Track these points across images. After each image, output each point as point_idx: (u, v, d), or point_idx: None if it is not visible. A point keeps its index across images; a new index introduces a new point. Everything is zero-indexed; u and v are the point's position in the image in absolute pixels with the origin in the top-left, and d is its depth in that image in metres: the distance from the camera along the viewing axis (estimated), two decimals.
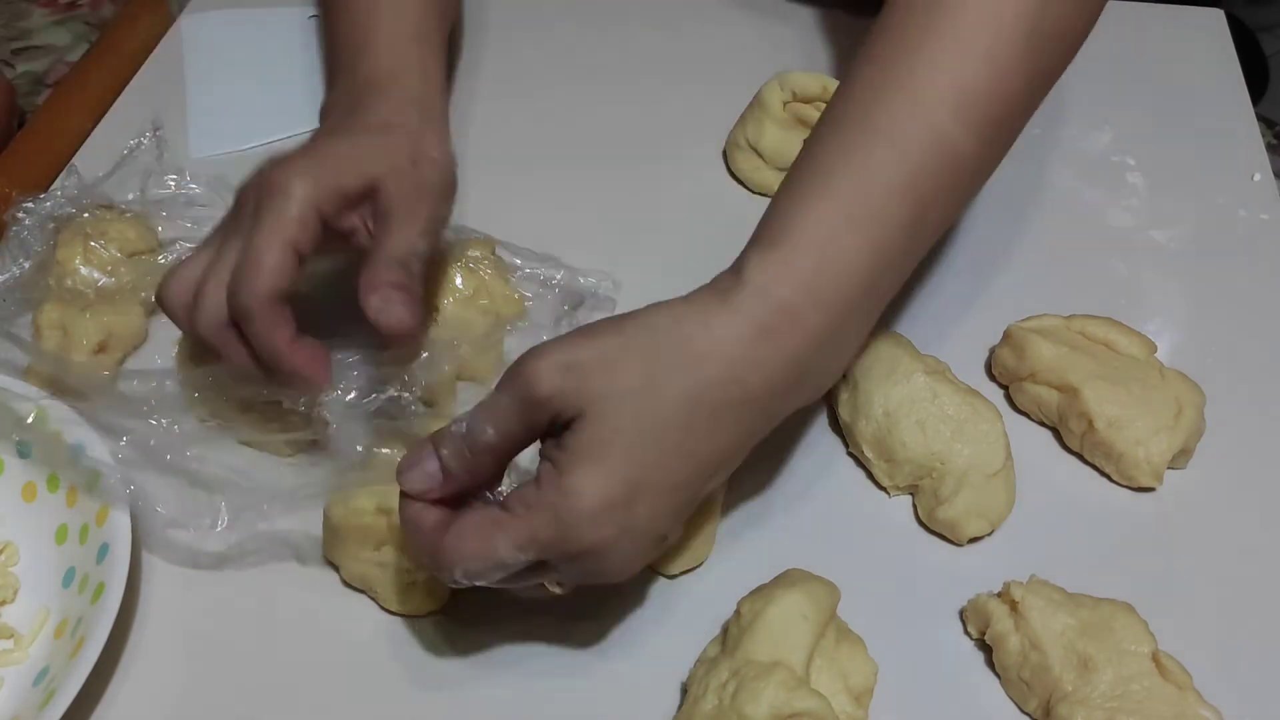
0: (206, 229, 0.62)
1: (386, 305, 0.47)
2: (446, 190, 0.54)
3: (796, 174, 0.47)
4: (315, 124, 0.71)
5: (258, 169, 0.50)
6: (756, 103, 0.66)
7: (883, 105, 0.46)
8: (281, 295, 0.47)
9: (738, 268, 0.45)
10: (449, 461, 0.42)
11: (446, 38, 0.63)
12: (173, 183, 0.66)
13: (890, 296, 0.47)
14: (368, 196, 0.50)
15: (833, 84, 0.65)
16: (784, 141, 0.65)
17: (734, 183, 0.68)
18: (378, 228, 0.50)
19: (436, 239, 0.53)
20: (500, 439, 0.42)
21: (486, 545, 0.41)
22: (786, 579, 0.47)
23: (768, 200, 0.64)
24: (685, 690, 0.46)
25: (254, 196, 0.48)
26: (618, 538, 0.41)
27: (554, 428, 0.42)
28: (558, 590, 0.45)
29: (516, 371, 0.42)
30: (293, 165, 0.48)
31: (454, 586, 0.44)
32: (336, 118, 0.55)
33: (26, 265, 0.60)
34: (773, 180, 0.66)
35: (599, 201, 0.67)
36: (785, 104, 0.65)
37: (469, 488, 0.43)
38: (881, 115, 0.45)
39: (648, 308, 0.44)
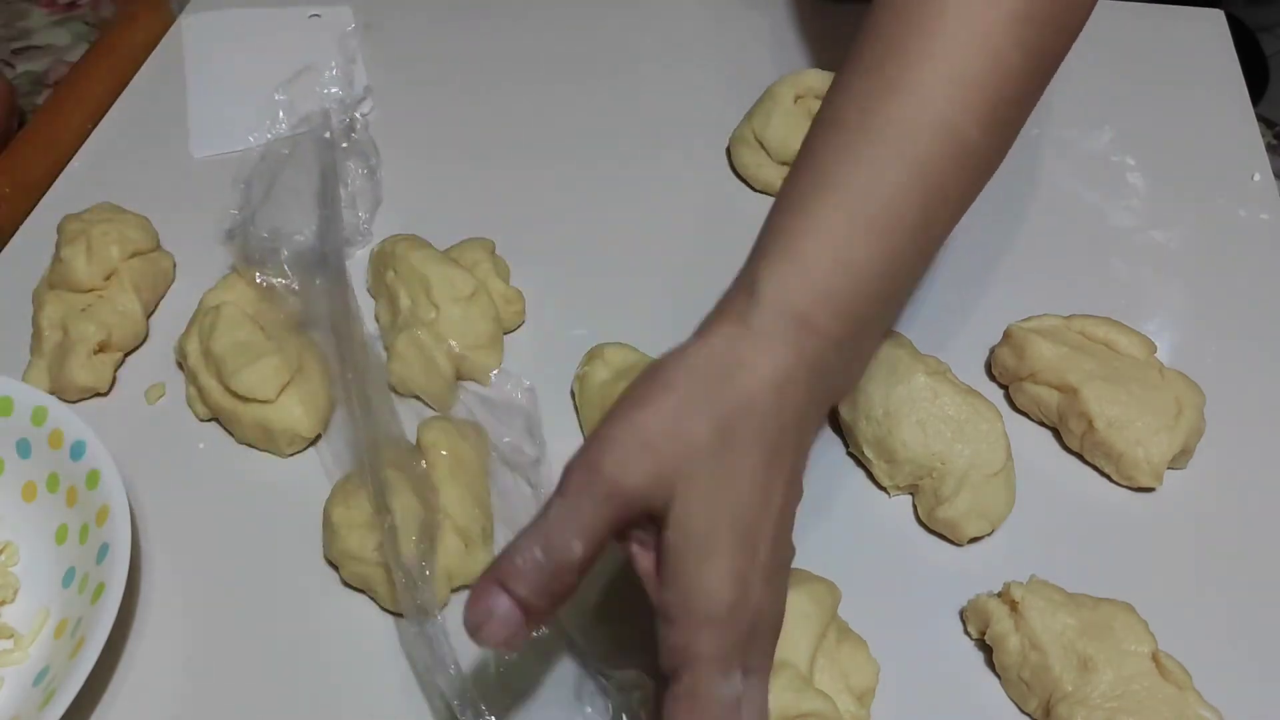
0: (207, 228, 0.63)
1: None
2: None
3: (797, 178, 0.44)
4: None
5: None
6: (766, 96, 0.67)
7: (881, 103, 0.44)
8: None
9: (749, 284, 0.41)
10: (532, 598, 0.37)
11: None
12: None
13: (904, 299, 0.45)
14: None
15: None
16: (790, 133, 0.65)
17: (736, 179, 0.68)
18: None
19: None
20: (590, 551, 0.37)
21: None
22: None
23: (769, 197, 0.65)
24: None
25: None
26: (759, 597, 0.38)
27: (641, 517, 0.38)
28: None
29: (593, 468, 0.37)
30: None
31: None
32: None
33: None
34: (775, 177, 0.66)
35: (600, 197, 0.67)
36: (796, 98, 0.65)
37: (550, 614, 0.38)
38: (880, 113, 0.44)
39: (674, 352, 0.40)
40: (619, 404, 0.39)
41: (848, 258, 0.42)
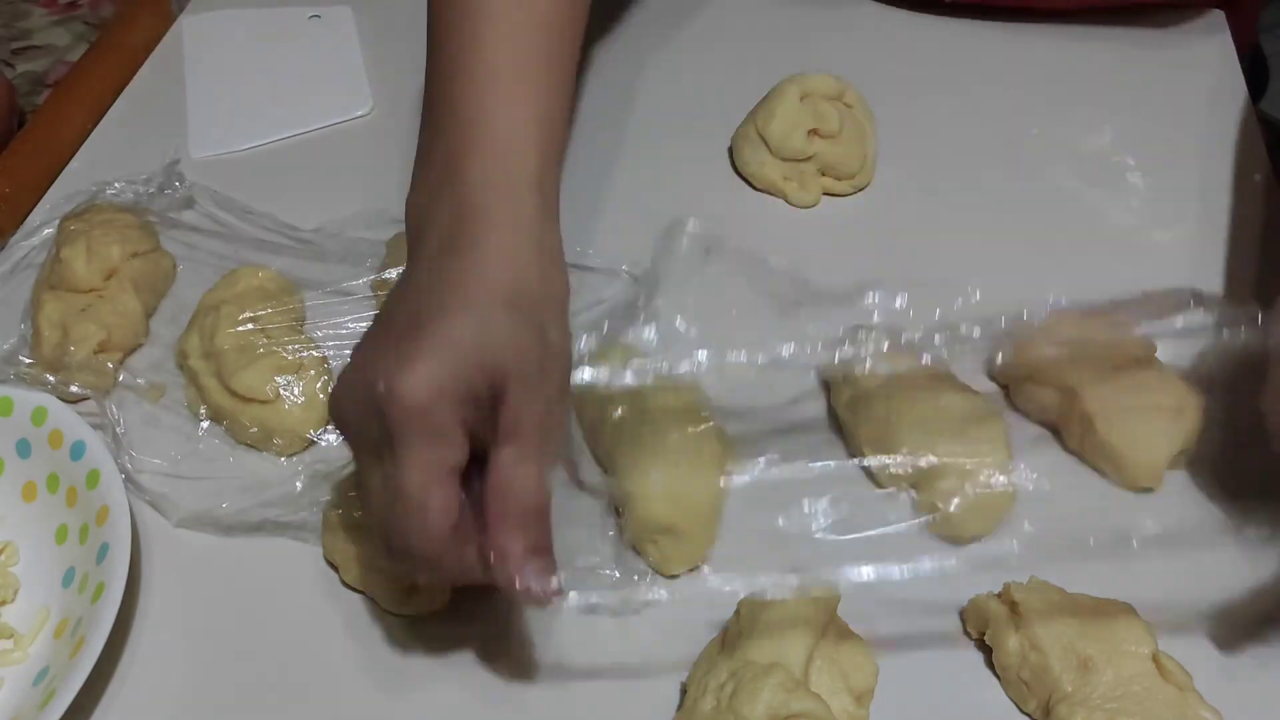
0: (206, 229, 0.63)
1: (532, 579, 0.40)
2: (566, 384, 0.44)
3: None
4: (315, 124, 0.71)
5: (366, 382, 0.39)
6: (773, 94, 0.66)
7: None
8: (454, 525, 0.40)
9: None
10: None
11: (569, 110, 0.51)
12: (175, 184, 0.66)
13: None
14: (494, 402, 0.40)
15: (848, 85, 0.65)
16: (793, 130, 0.65)
17: (738, 178, 0.68)
18: (497, 453, 0.40)
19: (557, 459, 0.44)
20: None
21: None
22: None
23: (769, 196, 0.65)
24: (685, 690, 0.46)
25: (382, 416, 0.39)
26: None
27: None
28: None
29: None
30: (418, 371, 0.38)
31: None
32: (437, 252, 0.43)
33: None
34: (777, 175, 0.66)
35: (600, 194, 0.67)
36: (803, 97, 0.65)
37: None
38: None
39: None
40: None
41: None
